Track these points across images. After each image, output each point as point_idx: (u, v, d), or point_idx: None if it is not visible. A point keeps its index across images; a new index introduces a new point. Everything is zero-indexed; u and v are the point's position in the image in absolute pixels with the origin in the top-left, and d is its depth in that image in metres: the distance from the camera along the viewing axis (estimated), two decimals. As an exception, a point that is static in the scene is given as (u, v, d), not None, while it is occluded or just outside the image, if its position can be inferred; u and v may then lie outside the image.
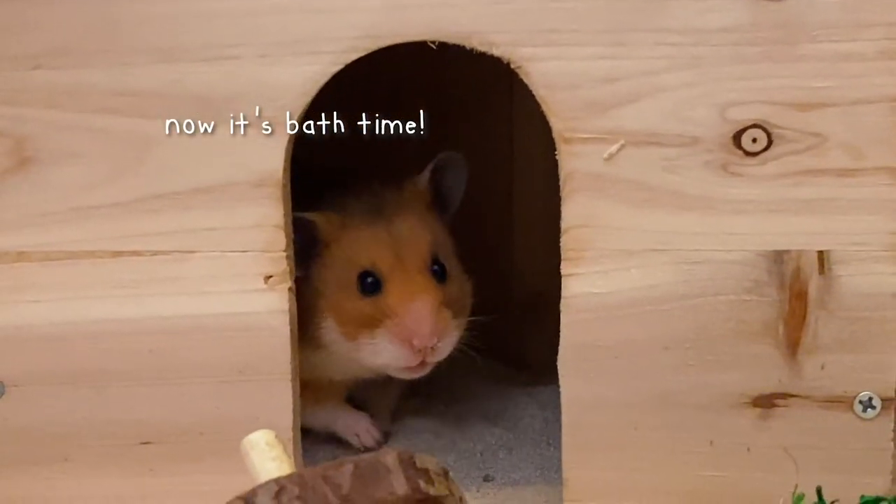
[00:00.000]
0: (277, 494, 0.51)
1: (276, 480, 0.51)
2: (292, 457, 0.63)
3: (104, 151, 0.75)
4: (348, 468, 0.51)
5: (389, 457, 0.52)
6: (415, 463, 0.52)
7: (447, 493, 0.53)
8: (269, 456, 0.56)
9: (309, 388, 0.83)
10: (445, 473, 0.54)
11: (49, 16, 0.74)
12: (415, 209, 0.91)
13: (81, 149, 0.75)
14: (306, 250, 0.85)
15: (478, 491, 0.85)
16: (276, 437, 0.57)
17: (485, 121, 1.09)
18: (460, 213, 0.96)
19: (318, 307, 0.86)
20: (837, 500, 0.71)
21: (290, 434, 0.78)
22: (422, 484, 0.52)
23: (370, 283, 0.86)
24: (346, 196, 0.90)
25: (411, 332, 0.84)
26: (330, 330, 0.87)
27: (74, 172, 0.76)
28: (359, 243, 0.87)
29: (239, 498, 0.51)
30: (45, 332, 0.78)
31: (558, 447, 0.79)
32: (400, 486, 0.52)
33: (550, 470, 0.86)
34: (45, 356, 0.78)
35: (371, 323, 0.85)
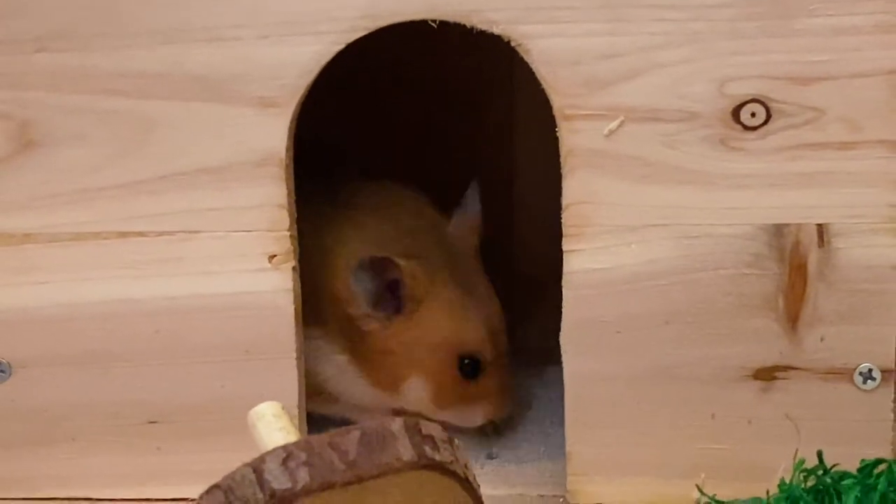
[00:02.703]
0: (285, 460, 0.51)
1: (284, 447, 0.52)
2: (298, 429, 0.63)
3: (108, 133, 0.76)
4: (355, 434, 0.52)
5: (395, 424, 0.52)
6: (420, 430, 0.53)
7: (452, 459, 0.54)
8: (275, 427, 0.56)
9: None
10: (451, 441, 0.55)
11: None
12: (479, 260, 0.92)
13: (85, 131, 0.76)
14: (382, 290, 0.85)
15: (482, 468, 0.85)
16: (283, 408, 0.58)
17: (485, 106, 1.10)
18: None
19: (401, 364, 0.87)
20: (838, 464, 0.71)
21: (296, 413, 0.79)
22: (427, 450, 0.53)
23: (470, 368, 0.88)
24: (383, 217, 0.89)
25: (501, 409, 0.89)
26: (416, 391, 0.88)
27: (79, 154, 0.76)
28: (458, 324, 0.87)
29: (247, 465, 0.52)
30: (51, 313, 0.78)
31: (563, 426, 0.79)
32: (406, 452, 0.52)
33: (554, 447, 0.86)
34: (52, 337, 0.79)
35: (466, 399, 0.88)
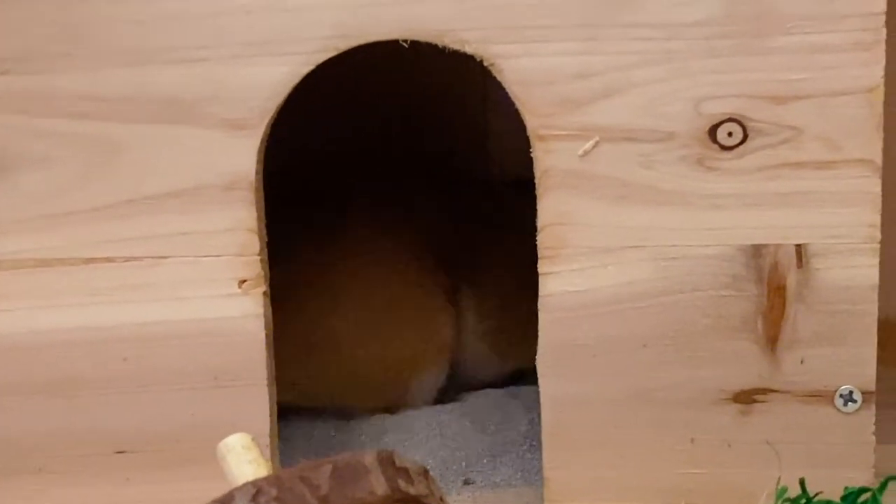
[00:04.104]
0: (255, 496, 0.50)
1: (254, 482, 0.50)
2: (270, 461, 0.62)
3: (74, 157, 0.74)
4: (326, 468, 0.51)
5: (368, 456, 0.51)
6: (394, 462, 0.52)
7: (427, 492, 0.53)
8: (245, 459, 0.55)
9: None
10: (425, 473, 0.54)
11: (14, 21, 0.73)
12: None
13: (50, 154, 0.74)
14: None
15: (458, 495, 0.84)
16: (253, 440, 0.56)
17: (458, 121, 1.09)
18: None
19: None
20: (821, 492, 0.70)
21: (268, 440, 0.77)
22: (401, 483, 0.52)
23: None
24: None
25: None
26: None
27: (43, 179, 0.75)
28: None
29: (216, 501, 0.50)
30: (16, 341, 0.77)
31: (540, 450, 0.78)
32: (379, 486, 0.51)
33: (532, 472, 0.85)
34: (17, 366, 0.77)
35: None
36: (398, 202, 0.99)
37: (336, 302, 0.95)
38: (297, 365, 0.89)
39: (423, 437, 0.91)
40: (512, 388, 0.99)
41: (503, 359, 1.01)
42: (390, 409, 0.96)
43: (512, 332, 0.97)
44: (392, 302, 0.96)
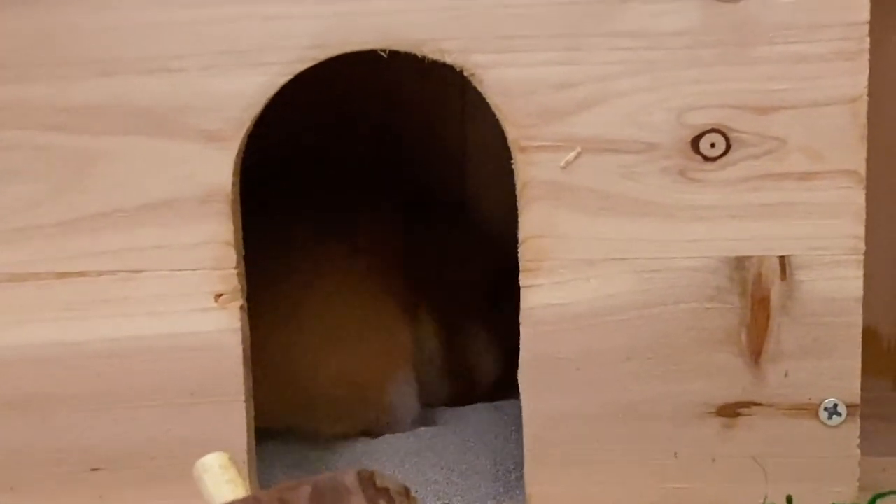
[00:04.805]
0: (232, 518, 0.49)
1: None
2: (247, 480, 0.61)
3: (46, 169, 0.73)
4: (306, 489, 0.49)
5: (349, 477, 0.50)
6: (375, 482, 0.51)
7: (409, 512, 0.52)
8: (223, 479, 0.54)
9: None
10: (406, 492, 0.52)
11: (-15, 30, 0.72)
12: None
13: (23, 167, 0.73)
14: None
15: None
16: (230, 459, 0.55)
17: (437, 131, 1.08)
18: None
19: None
20: (807, 508, 0.70)
21: (245, 457, 0.76)
22: (382, 504, 0.51)
23: None
24: None
25: None
26: None
27: (16, 191, 0.73)
28: None
29: (192, 523, 0.49)
30: (-12, 357, 0.75)
31: (521, 465, 0.77)
32: (360, 507, 0.50)
33: (513, 488, 0.84)
34: (-11, 382, 0.76)
35: None
36: (358, 214, 0.97)
37: (292, 316, 0.92)
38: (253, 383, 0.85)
39: (399, 458, 0.89)
40: (497, 403, 0.97)
41: (452, 379, 0.99)
42: (369, 434, 0.93)
43: (458, 353, 0.96)
44: (351, 317, 0.93)
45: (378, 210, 0.98)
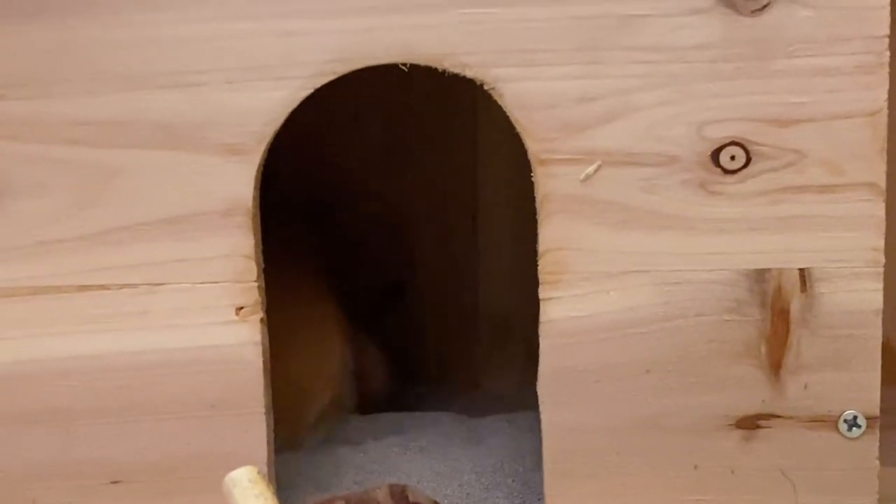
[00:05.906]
0: (263, 533, 0.49)
1: (261, 518, 0.49)
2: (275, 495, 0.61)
3: (69, 183, 0.73)
4: (337, 504, 0.50)
5: (380, 491, 0.50)
6: (407, 497, 0.51)
7: (438, 526, 0.52)
8: (252, 493, 0.54)
9: None
10: (436, 507, 0.53)
11: (8, 46, 0.72)
12: None
13: (45, 181, 0.73)
14: None
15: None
16: (260, 473, 0.55)
17: (448, 145, 1.09)
18: (425, 239, 0.95)
19: None
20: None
21: (265, 470, 0.76)
22: (412, 518, 0.51)
23: None
24: None
25: None
26: None
27: (39, 205, 0.74)
28: None
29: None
30: (9, 370, 0.75)
31: (537, 477, 0.77)
32: (390, 522, 0.50)
33: (533, 499, 0.84)
34: (10, 396, 0.76)
35: None
36: (305, 223, 0.97)
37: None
38: None
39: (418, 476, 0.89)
40: (511, 416, 0.97)
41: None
42: (289, 443, 0.90)
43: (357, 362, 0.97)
44: (285, 323, 0.93)
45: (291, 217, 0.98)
